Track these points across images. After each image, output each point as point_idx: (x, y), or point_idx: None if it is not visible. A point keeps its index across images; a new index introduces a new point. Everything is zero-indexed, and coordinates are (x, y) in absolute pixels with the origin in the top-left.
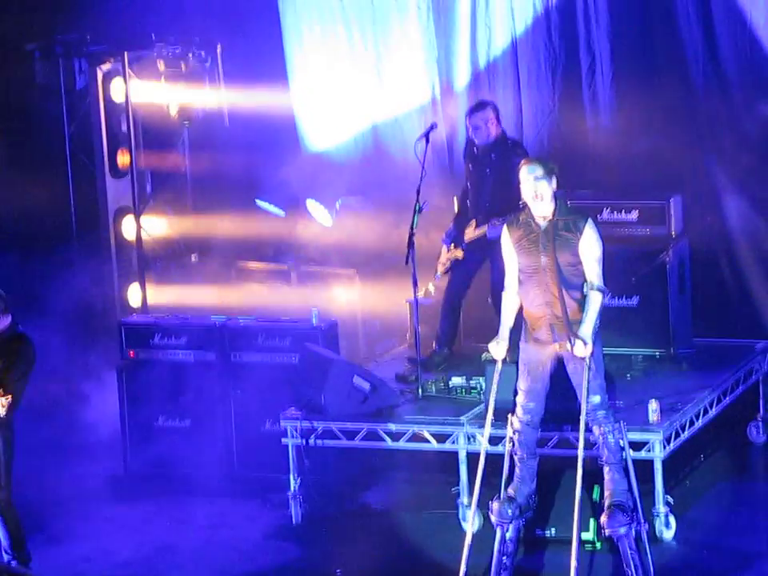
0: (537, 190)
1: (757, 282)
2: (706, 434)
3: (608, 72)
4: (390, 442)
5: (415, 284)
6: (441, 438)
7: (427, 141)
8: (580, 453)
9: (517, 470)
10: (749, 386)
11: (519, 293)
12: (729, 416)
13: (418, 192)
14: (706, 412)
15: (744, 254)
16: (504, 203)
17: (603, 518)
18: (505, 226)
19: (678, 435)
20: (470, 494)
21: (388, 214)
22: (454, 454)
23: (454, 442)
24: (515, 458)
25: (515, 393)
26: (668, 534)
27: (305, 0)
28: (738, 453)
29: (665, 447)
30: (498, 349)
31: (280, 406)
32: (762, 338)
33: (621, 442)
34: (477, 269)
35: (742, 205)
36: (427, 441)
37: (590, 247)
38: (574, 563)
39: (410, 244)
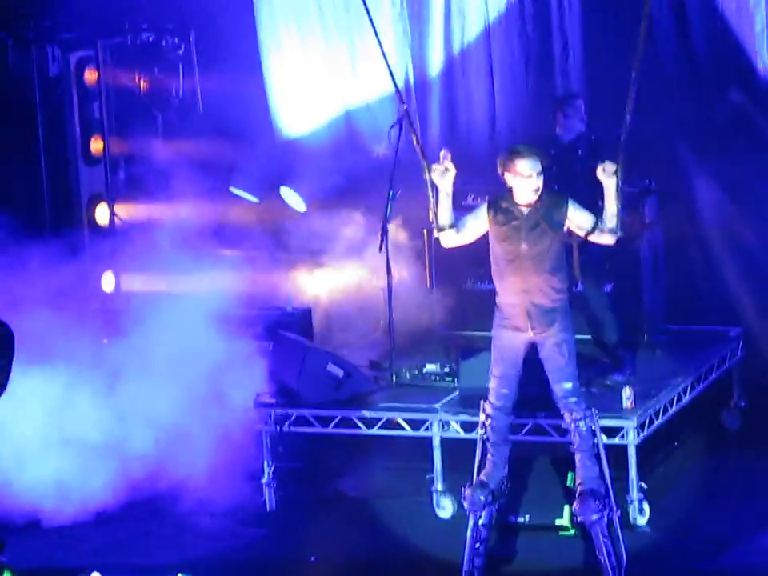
0: (538, 185)
1: (729, 269)
2: (679, 421)
3: (579, 59)
4: (364, 429)
5: (389, 271)
6: (415, 424)
7: (401, 128)
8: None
9: (489, 455)
10: (722, 373)
11: (495, 279)
12: (703, 402)
13: (391, 179)
14: (679, 398)
15: (716, 241)
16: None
17: (575, 505)
18: (485, 207)
19: (651, 422)
20: (444, 480)
21: (361, 201)
22: (429, 441)
23: (428, 429)
24: (488, 443)
25: (488, 379)
26: (642, 521)
27: None
28: (712, 439)
29: (639, 434)
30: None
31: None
32: (735, 324)
33: (593, 428)
34: None
35: (714, 191)
36: (402, 428)
37: (580, 210)
38: None
39: (384, 231)
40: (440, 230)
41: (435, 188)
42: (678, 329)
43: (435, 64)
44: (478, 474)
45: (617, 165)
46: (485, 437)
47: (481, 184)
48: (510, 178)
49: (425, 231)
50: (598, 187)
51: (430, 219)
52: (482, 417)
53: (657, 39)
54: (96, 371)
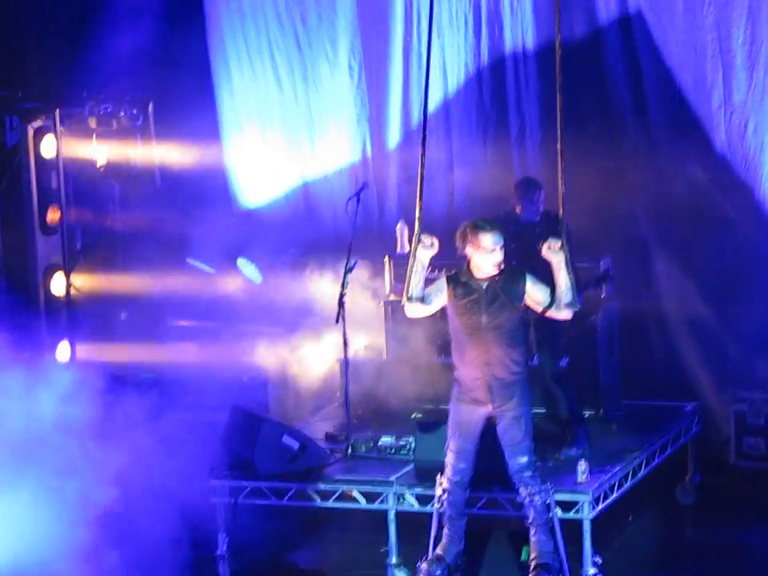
0: (500, 259)
1: (685, 344)
2: (635, 495)
3: (537, 135)
4: (319, 502)
5: (346, 343)
6: (370, 497)
7: (358, 200)
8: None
9: (445, 529)
10: (678, 448)
11: (454, 353)
12: (658, 477)
13: (349, 251)
14: (635, 473)
15: (673, 316)
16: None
17: None
18: (446, 280)
19: (606, 496)
20: (399, 554)
21: (317, 271)
22: (384, 514)
23: (383, 502)
24: (444, 517)
25: (445, 453)
26: None
27: (237, 58)
28: (667, 513)
29: (594, 508)
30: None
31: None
32: (691, 399)
33: (548, 502)
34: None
35: (671, 266)
36: (357, 500)
37: (538, 285)
38: None
39: (341, 303)
40: (409, 299)
41: (415, 258)
42: (634, 404)
43: (394, 135)
44: (434, 548)
45: (561, 240)
46: (441, 511)
47: (439, 256)
48: (471, 252)
49: (382, 303)
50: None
51: (405, 290)
52: (439, 491)
53: (615, 115)
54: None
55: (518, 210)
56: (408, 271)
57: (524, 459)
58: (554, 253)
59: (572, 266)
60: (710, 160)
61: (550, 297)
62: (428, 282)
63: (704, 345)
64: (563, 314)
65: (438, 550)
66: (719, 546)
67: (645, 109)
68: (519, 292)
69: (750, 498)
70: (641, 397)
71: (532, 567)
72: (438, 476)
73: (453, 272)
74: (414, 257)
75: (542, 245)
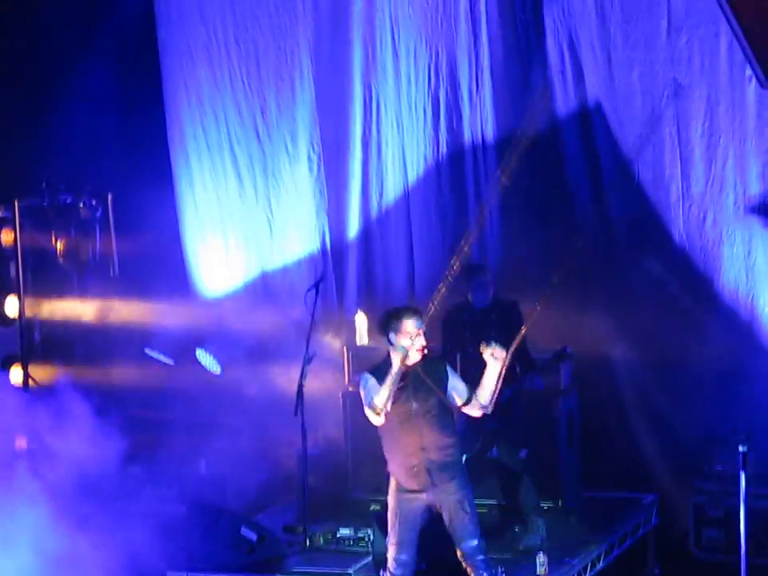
0: (424, 343)
1: (644, 435)
2: None
3: (496, 228)
4: None
5: (304, 435)
6: None
7: (317, 291)
8: None
9: None
10: (637, 540)
11: (387, 446)
12: (617, 569)
13: (308, 342)
14: (593, 565)
15: (632, 407)
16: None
17: None
18: (371, 376)
19: None
20: None
21: (277, 363)
22: None
23: None
24: None
25: (386, 548)
26: None
27: (197, 150)
28: None
29: None
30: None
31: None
32: (650, 491)
33: None
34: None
35: (629, 357)
36: None
37: (457, 378)
38: None
39: (299, 394)
40: (377, 411)
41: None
42: (593, 495)
43: (353, 227)
44: None
45: (506, 353)
46: None
47: None
48: (396, 339)
49: (341, 394)
50: (512, 353)
51: (381, 404)
52: None
53: (574, 205)
54: None
55: (469, 297)
56: (390, 384)
57: (474, 542)
58: (495, 359)
59: (527, 352)
60: (668, 252)
61: (469, 392)
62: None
63: (662, 436)
64: (475, 411)
65: None
66: None
67: (603, 200)
68: (442, 378)
69: None
70: (600, 488)
71: None
72: (381, 572)
73: (373, 366)
74: (398, 369)
75: (484, 346)
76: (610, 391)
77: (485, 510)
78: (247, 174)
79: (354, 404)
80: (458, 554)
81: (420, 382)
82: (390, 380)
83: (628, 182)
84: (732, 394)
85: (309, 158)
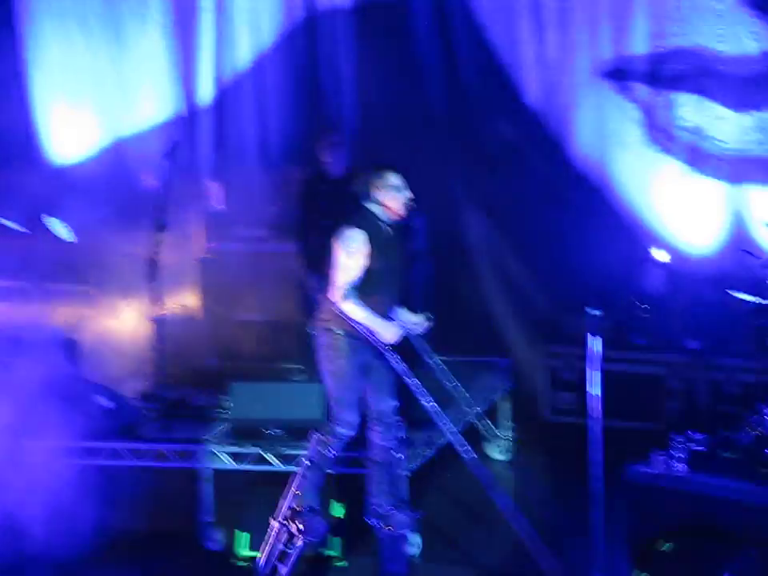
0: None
1: (497, 300)
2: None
3: (352, 92)
4: (132, 461)
5: (159, 302)
6: (184, 455)
7: (171, 158)
8: None
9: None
10: (492, 402)
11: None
12: (472, 432)
13: (161, 210)
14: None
15: (485, 272)
16: None
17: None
18: (361, 237)
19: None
20: (212, 512)
21: (131, 231)
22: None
23: (197, 460)
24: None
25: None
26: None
27: (47, 12)
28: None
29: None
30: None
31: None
32: (504, 355)
33: None
34: None
35: (481, 221)
36: (170, 459)
37: None
38: None
39: (153, 262)
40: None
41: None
42: (448, 360)
43: (207, 92)
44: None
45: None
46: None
47: (254, 211)
48: (381, 196)
49: (198, 261)
50: None
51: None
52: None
53: (424, 69)
54: None
55: (324, 160)
56: (369, 320)
57: (395, 402)
58: (413, 327)
59: None
60: (521, 116)
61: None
62: (244, 240)
63: (515, 301)
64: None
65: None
66: (534, 500)
67: (455, 64)
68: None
69: (563, 452)
70: (457, 353)
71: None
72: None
73: (355, 221)
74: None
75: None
76: (463, 256)
77: None
78: (98, 38)
79: (211, 270)
80: (371, 414)
81: (396, 238)
82: (370, 317)
83: (480, 45)
84: (584, 258)
85: (160, 21)
